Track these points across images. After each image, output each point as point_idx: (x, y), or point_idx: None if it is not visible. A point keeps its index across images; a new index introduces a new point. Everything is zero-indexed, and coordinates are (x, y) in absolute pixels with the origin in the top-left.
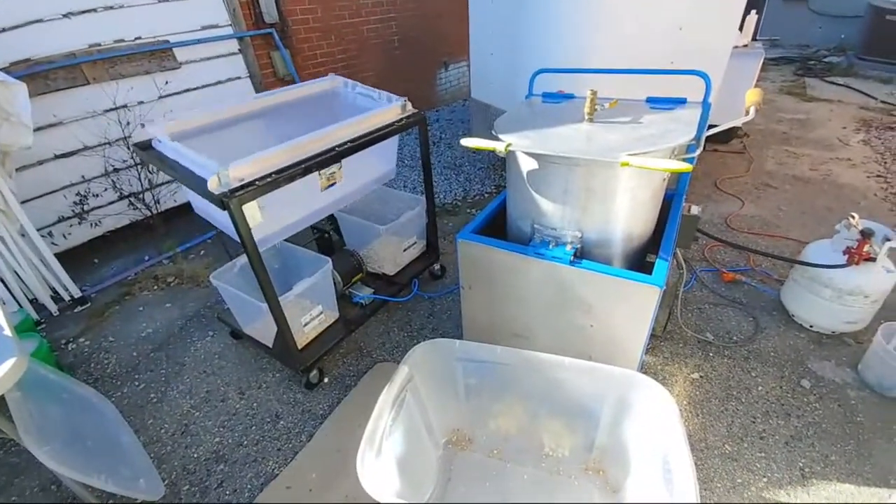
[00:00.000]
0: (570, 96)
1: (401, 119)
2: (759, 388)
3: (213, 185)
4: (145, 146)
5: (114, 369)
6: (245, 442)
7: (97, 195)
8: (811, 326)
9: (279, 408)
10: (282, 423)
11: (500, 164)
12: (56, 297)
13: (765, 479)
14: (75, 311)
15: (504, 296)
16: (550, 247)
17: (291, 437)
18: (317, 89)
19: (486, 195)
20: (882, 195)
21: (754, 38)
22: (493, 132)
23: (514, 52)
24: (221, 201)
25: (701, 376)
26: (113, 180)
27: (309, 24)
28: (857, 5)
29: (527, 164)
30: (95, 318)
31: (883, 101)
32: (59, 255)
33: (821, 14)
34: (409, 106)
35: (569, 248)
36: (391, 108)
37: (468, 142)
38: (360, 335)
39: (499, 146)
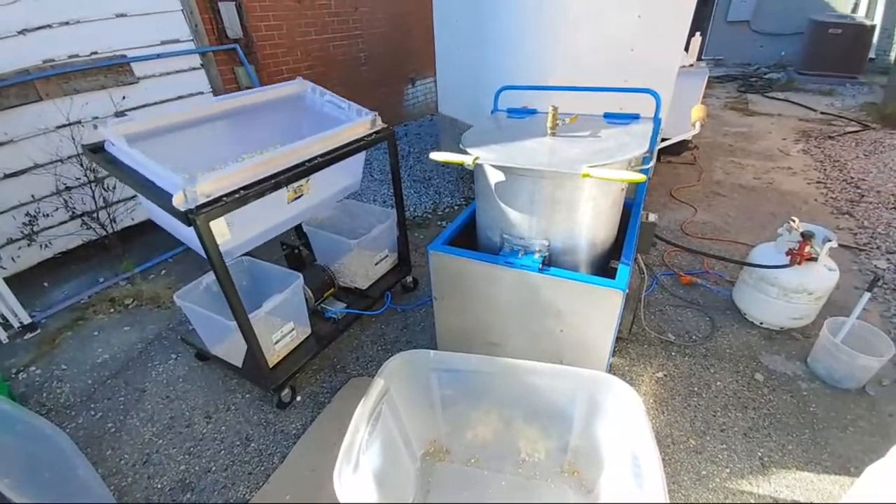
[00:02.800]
0: (534, 111)
1: (370, 134)
2: (718, 383)
3: (178, 202)
4: (96, 149)
5: (67, 399)
6: (213, 468)
7: (48, 215)
8: (761, 323)
9: (249, 430)
10: (253, 445)
11: (468, 177)
12: (5, 324)
13: (727, 470)
14: (25, 338)
15: (476, 305)
16: (519, 255)
17: (263, 459)
18: (283, 93)
19: (456, 207)
20: (822, 200)
21: (699, 58)
22: (461, 146)
23: (479, 69)
24: (188, 218)
25: (665, 375)
26: (65, 199)
27: (274, 40)
28: (797, 23)
29: (494, 177)
30: (46, 344)
31: (823, 112)
32: (7, 279)
33: (762, 33)
34: (379, 120)
35: (537, 256)
36: (361, 123)
37: (437, 156)
38: (334, 350)
39: (467, 160)
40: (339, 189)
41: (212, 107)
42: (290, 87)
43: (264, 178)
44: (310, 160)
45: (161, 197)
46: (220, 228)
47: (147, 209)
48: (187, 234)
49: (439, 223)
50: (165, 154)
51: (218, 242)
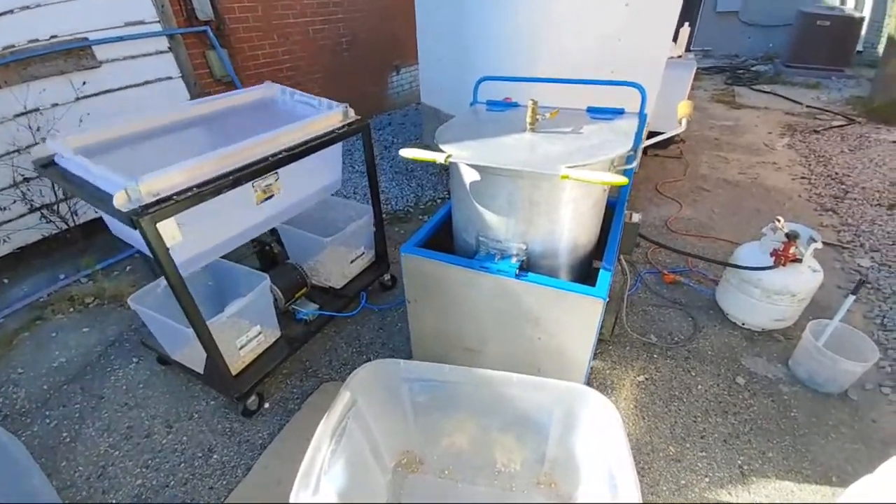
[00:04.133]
0: (515, 105)
1: (342, 126)
2: (699, 386)
3: (119, 202)
4: (46, 163)
5: (23, 405)
6: (172, 482)
7: (5, 208)
8: (744, 324)
9: (212, 440)
10: (215, 457)
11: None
12: None
13: (707, 480)
14: None
15: (451, 309)
16: (496, 259)
17: (226, 472)
18: (251, 97)
19: (439, 201)
20: (806, 196)
21: (688, 49)
22: (435, 141)
23: (461, 59)
24: (131, 220)
25: (646, 378)
26: (23, 191)
27: (248, 23)
28: (786, 14)
29: (469, 176)
30: (3, 346)
31: (808, 106)
32: None
33: (751, 25)
34: (352, 112)
35: (514, 260)
36: (331, 115)
37: (407, 152)
38: (305, 353)
39: (439, 157)
40: (315, 189)
41: (177, 114)
42: (259, 90)
43: (221, 175)
44: (273, 155)
45: (103, 200)
46: (169, 230)
47: (103, 218)
48: (139, 241)
49: (421, 217)
50: (124, 163)
51: (168, 245)
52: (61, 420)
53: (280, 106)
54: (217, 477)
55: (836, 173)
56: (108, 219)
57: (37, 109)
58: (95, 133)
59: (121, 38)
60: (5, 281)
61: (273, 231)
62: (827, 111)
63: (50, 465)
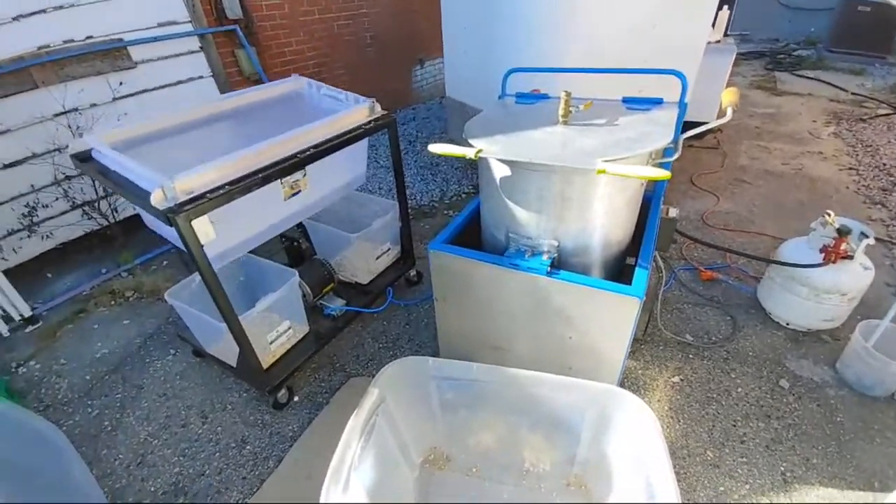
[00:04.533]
0: (545, 97)
1: (369, 122)
2: (739, 389)
3: (156, 200)
4: (84, 157)
5: (65, 395)
6: (207, 471)
7: (47, 205)
8: (788, 324)
9: (245, 431)
10: (248, 447)
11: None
12: (6, 317)
13: (747, 486)
14: (26, 331)
15: (479, 307)
16: (526, 256)
17: (258, 463)
18: (279, 91)
19: (464, 195)
20: (854, 188)
21: (726, 34)
22: (464, 136)
23: (488, 51)
24: (167, 217)
25: (681, 380)
26: (64, 189)
27: (276, 21)
28: None
29: (499, 171)
30: (47, 338)
31: (854, 93)
32: (8, 271)
33: (791, 7)
34: (378, 107)
35: (545, 257)
36: (358, 110)
37: (436, 148)
38: (333, 349)
39: (469, 152)
40: (341, 184)
41: (207, 108)
42: (286, 84)
43: (252, 173)
44: (302, 152)
45: (141, 197)
46: (203, 227)
47: (139, 213)
48: (174, 236)
49: (446, 212)
50: (158, 158)
51: (202, 242)
52: (103, 409)
53: (307, 99)
54: (250, 467)
55: (885, 164)
56: (141, 211)
57: (76, 109)
58: (130, 128)
59: (155, 39)
60: (49, 275)
61: (301, 227)
62: (873, 99)
63: (91, 453)
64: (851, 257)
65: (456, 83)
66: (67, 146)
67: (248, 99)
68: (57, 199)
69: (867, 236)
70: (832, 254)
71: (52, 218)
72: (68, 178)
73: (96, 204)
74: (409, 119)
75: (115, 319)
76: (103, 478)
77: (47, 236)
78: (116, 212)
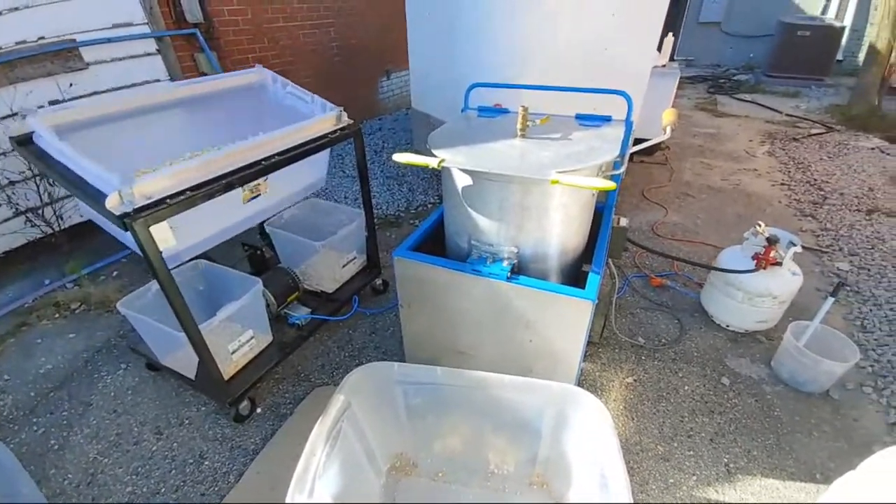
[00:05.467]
0: (506, 111)
1: (335, 131)
2: (686, 387)
3: (112, 204)
4: (24, 140)
5: (10, 412)
6: (163, 489)
7: None
8: (728, 326)
9: (204, 446)
10: (206, 463)
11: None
12: None
13: (694, 478)
14: None
15: (444, 313)
16: (488, 263)
17: (218, 478)
18: (240, 82)
19: (430, 205)
20: (786, 202)
21: (671, 59)
22: (427, 146)
23: (452, 65)
24: (124, 223)
25: (635, 380)
26: (8, 195)
27: (238, 26)
28: (767, 25)
29: (462, 180)
30: None
31: (788, 115)
32: None
33: (732, 35)
34: (345, 116)
35: (505, 263)
36: (325, 118)
37: (401, 157)
38: (298, 358)
39: (432, 162)
40: (301, 187)
41: (163, 94)
42: (248, 75)
43: (215, 178)
44: (266, 158)
45: (94, 198)
46: (162, 234)
47: (82, 209)
48: (128, 238)
49: (412, 222)
50: (106, 147)
51: (160, 248)
52: (49, 427)
53: (270, 94)
54: (209, 483)
55: (816, 180)
56: (90, 214)
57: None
58: (75, 111)
59: (109, 40)
60: None
61: (265, 235)
62: (806, 119)
63: (39, 472)
64: (780, 264)
65: (421, 95)
66: (13, 151)
67: (206, 88)
68: (0, 205)
69: (794, 245)
70: (763, 260)
71: None
72: (12, 183)
73: (40, 211)
74: (375, 129)
75: (59, 333)
76: (53, 497)
77: None
78: (62, 219)
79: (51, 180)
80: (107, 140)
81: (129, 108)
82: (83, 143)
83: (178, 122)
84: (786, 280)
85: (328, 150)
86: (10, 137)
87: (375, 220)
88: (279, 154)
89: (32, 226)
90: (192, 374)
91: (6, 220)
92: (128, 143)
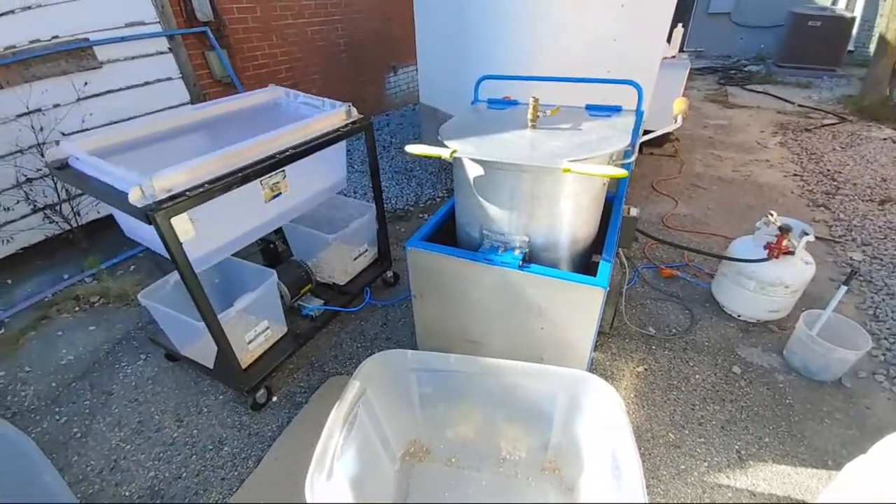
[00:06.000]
0: (515, 103)
1: (346, 125)
2: (697, 376)
3: (134, 197)
4: (62, 165)
5: (31, 402)
6: (184, 474)
7: (8, 209)
8: (739, 316)
9: (223, 433)
10: (226, 449)
11: (450, 168)
12: None
13: (705, 464)
14: None
15: (456, 302)
16: (499, 252)
17: (237, 463)
18: (256, 101)
19: (439, 199)
20: (798, 192)
21: (681, 50)
22: (440, 138)
23: (460, 58)
24: (146, 215)
25: (645, 369)
26: (26, 191)
27: (247, 24)
28: (777, 15)
29: (473, 171)
30: (9, 345)
31: (800, 105)
32: None
33: (742, 26)
34: (354, 111)
35: (517, 252)
36: (335, 114)
37: (413, 148)
38: (311, 348)
39: (444, 153)
40: (323, 187)
41: (183, 118)
42: (263, 94)
43: (230, 172)
44: (280, 153)
45: (120, 199)
46: (182, 225)
47: (120, 223)
48: (153, 240)
49: (421, 215)
50: (134, 164)
51: (181, 240)
52: (71, 416)
53: (284, 108)
54: (228, 468)
55: (828, 170)
56: (121, 219)
57: (39, 110)
58: (107, 136)
59: (122, 39)
60: (9, 281)
61: (278, 229)
62: (818, 110)
63: (61, 460)
64: (793, 253)
65: (429, 90)
66: (29, 148)
67: (224, 108)
68: (18, 202)
69: (807, 234)
70: (775, 250)
71: (12, 222)
72: (30, 180)
73: (58, 207)
74: (382, 125)
75: (80, 326)
76: (75, 484)
77: (7, 241)
78: (79, 215)
79: None
80: (135, 160)
81: (154, 132)
82: (118, 163)
83: (201, 141)
84: (798, 269)
85: (343, 150)
86: (48, 164)
87: (385, 214)
88: (292, 148)
89: (51, 222)
90: (210, 364)
91: (25, 216)
92: (156, 160)
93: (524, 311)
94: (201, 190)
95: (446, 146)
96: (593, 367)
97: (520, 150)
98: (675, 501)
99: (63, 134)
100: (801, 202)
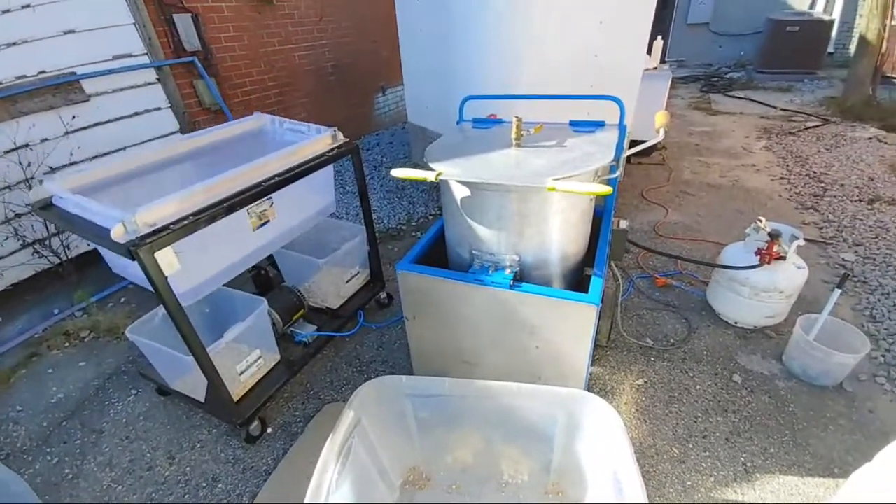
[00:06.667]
0: (500, 121)
1: (331, 149)
2: (697, 387)
3: (117, 234)
4: (46, 205)
5: (24, 443)
6: None
7: None
8: (736, 323)
9: (216, 469)
10: (220, 486)
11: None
12: None
13: (712, 479)
14: None
15: (449, 323)
16: (490, 272)
17: (232, 500)
18: (241, 129)
19: (431, 217)
20: (786, 195)
21: (662, 61)
22: (424, 160)
23: (445, 78)
24: (129, 250)
25: (645, 382)
26: (14, 227)
27: (235, 52)
28: (755, 22)
29: (460, 192)
30: (1, 384)
31: (783, 109)
32: None
33: (721, 34)
34: (340, 135)
35: (508, 272)
36: (320, 139)
37: (399, 172)
38: (306, 376)
39: (430, 175)
40: (311, 212)
41: (169, 149)
42: (249, 122)
43: (215, 203)
44: (266, 180)
45: (103, 237)
46: (167, 259)
47: (106, 260)
48: (139, 276)
49: (414, 234)
50: (117, 200)
51: (167, 274)
52: (62, 456)
53: (270, 135)
54: None
55: (815, 172)
56: (108, 257)
57: (26, 145)
58: (92, 172)
59: (109, 72)
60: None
61: (268, 255)
62: (801, 113)
63: (54, 501)
64: (784, 258)
65: (417, 109)
66: (17, 184)
67: (210, 138)
68: (7, 238)
69: (797, 238)
70: (766, 256)
71: (1, 258)
72: (18, 216)
73: (47, 241)
74: (373, 145)
75: (70, 362)
76: None
77: None
78: (69, 249)
79: None
80: (120, 195)
81: (140, 165)
82: (101, 200)
83: (188, 171)
84: (791, 274)
85: (331, 173)
86: (31, 204)
87: (377, 234)
88: (278, 175)
89: (40, 257)
90: (201, 398)
91: (14, 252)
92: (141, 195)
93: (518, 330)
94: (185, 222)
95: (432, 168)
96: (592, 383)
97: (504, 169)
98: (679, 501)
99: (51, 168)
100: (789, 205)
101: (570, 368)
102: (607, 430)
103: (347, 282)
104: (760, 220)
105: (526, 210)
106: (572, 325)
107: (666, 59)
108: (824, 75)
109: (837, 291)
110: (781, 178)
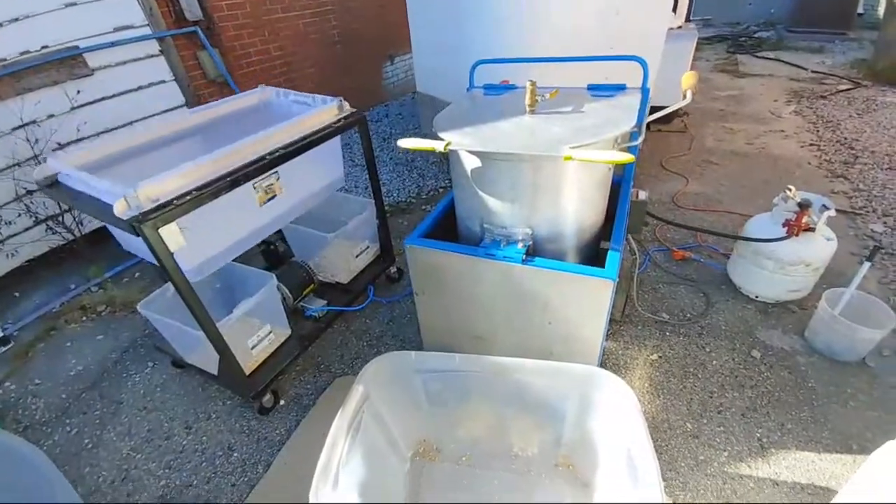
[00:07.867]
0: (513, 87)
1: (338, 120)
2: (714, 362)
3: (120, 209)
4: (52, 182)
5: (43, 414)
6: (195, 481)
7: (10, 222)
8: (757, 297)
9: (231, 439)
10: (235, 455)
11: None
12: None
13: (726, 454)
14: None
15: (459, 299)
16: (501, 246)
17: (247, 469)
18: (246, 102)
19: (441, 190)
20: (816, 163)
21: (688, 19)
22: (433, 129)
23: (456, 44)
24: (133, 226)
25: (659, 356)
26: (26, 204)
27: (238, 21)
28: None
29: (470, 163)
30: (19, 358)
31: (813, 71)
32: None
33: None
34: (346, 106)
35: (520, 246)
36: (326, 110)
37: (405, 142)
38: (317, 349)
39: (438, 145)
40: (319, 186)
41: (174, 124)
42: (254, 95)
43: (219, 177)
44: (270, 153)
45: (106, 211)
46: (172, 235)
47: (114, 235)
48: (145, 250)
49: (424, 207)
50: (126, 176)
51: (172, 250)
52: (82, 427)
53: (276, 108)
54: (238, 474)
55: (845, 138)
56: (117, 234)
57: (34, 122)
58: (97, 148)
59: (111, 45)
60: (16, 294)
61: (277, 230)
62: (832, 75)
63: (74, 471)
64: (813, 229)
65: (426, 78)
66: (27, 160)
67: (215, 112)
68: (20, 214)
69: (828, 208)
70: (794, 227)
71: (15, 235)
72: (29, 192)
73: (60, 218)
74: (381, 116)
75: (87, 335)
76: (88, 495)
77: (12, 254)
78: (82, 225)
79: None
80: (126, 171)
81: (145, 141)
82: (107, 176)
83: (194, 146)
84: (820, 246)
85: (339, 147)
86: (37, 182)
87: (387, 208)
88: (283, 148)
89: (53, 233)
90: (214, 370)
91: (27, 228)
92: (146, 171)
93: (530, 305)
94: (189, 198)
95: (440, 138)
96: (605, 358)
97: (518, 138)
98: (693, 501)
99: (59, 144)
100: (818, 173)
101: (584, 344)
102: (621, 408)
103: (357, 256)
104: (790, 189)
105: (540, 181)
106: (587, 300)
107: (691, 17)
108: (855, 36)
109: (867, 264)
110: (811, 145)
